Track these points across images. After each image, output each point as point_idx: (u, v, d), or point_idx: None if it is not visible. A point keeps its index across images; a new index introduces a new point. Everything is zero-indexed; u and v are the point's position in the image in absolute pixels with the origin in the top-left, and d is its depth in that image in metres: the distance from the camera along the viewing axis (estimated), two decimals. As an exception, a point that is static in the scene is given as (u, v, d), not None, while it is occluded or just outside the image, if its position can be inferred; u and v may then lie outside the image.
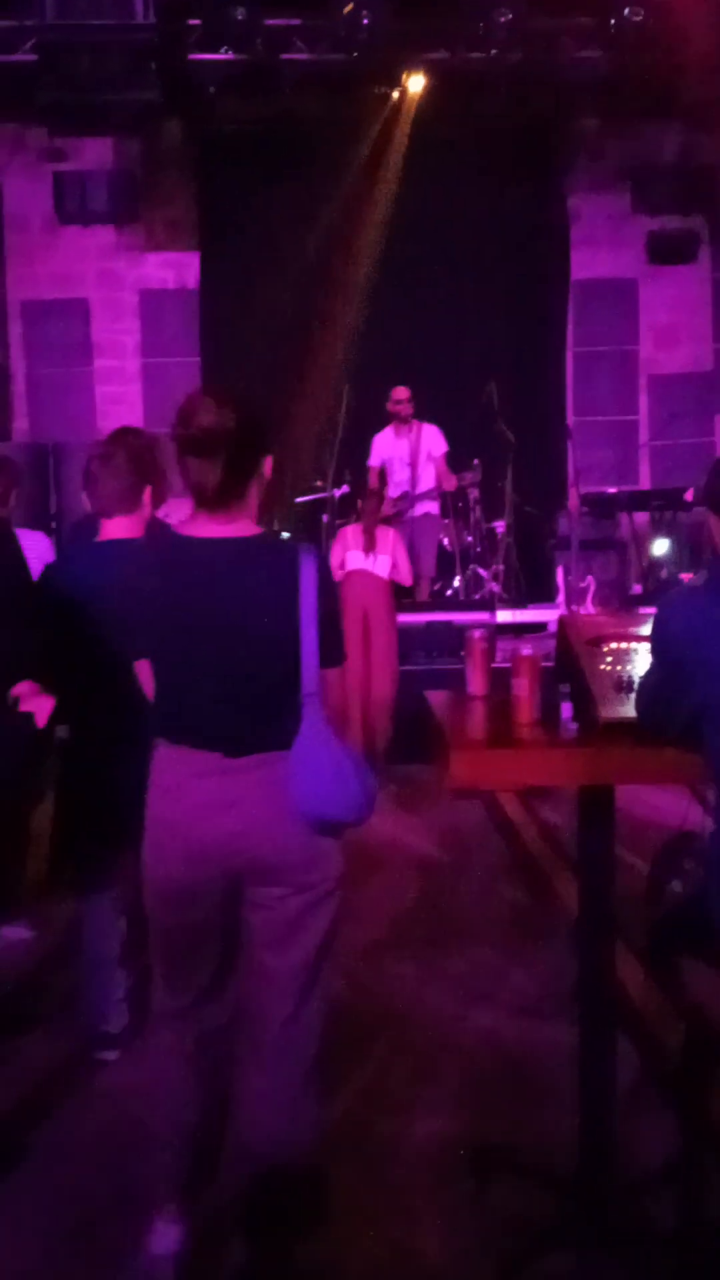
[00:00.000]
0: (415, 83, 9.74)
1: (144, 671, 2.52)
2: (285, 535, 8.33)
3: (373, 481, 8.83)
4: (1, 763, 2.82)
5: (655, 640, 2.43)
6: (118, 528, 3.43)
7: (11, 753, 2.85)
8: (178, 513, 3.50)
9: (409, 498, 8.76)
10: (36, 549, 5.40)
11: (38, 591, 3.51)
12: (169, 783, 2.44)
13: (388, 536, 7.29)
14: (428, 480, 8.88)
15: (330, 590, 2.45)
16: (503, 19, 8.92)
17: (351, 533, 7.27)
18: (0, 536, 2.94)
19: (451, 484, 8.90)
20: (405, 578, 7.41)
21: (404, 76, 9.73)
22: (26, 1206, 2.88)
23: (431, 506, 8.92)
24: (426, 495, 8.89)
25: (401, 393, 8.76)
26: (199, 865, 2.41)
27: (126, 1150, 3.07)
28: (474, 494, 9.03)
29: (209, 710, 2.40)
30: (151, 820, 2.47)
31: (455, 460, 8.95)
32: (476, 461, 8.94)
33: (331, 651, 2.42)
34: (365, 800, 2.38)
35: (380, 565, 7.13)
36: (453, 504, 9.12)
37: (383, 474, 8.83)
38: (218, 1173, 2.63)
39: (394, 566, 7.22)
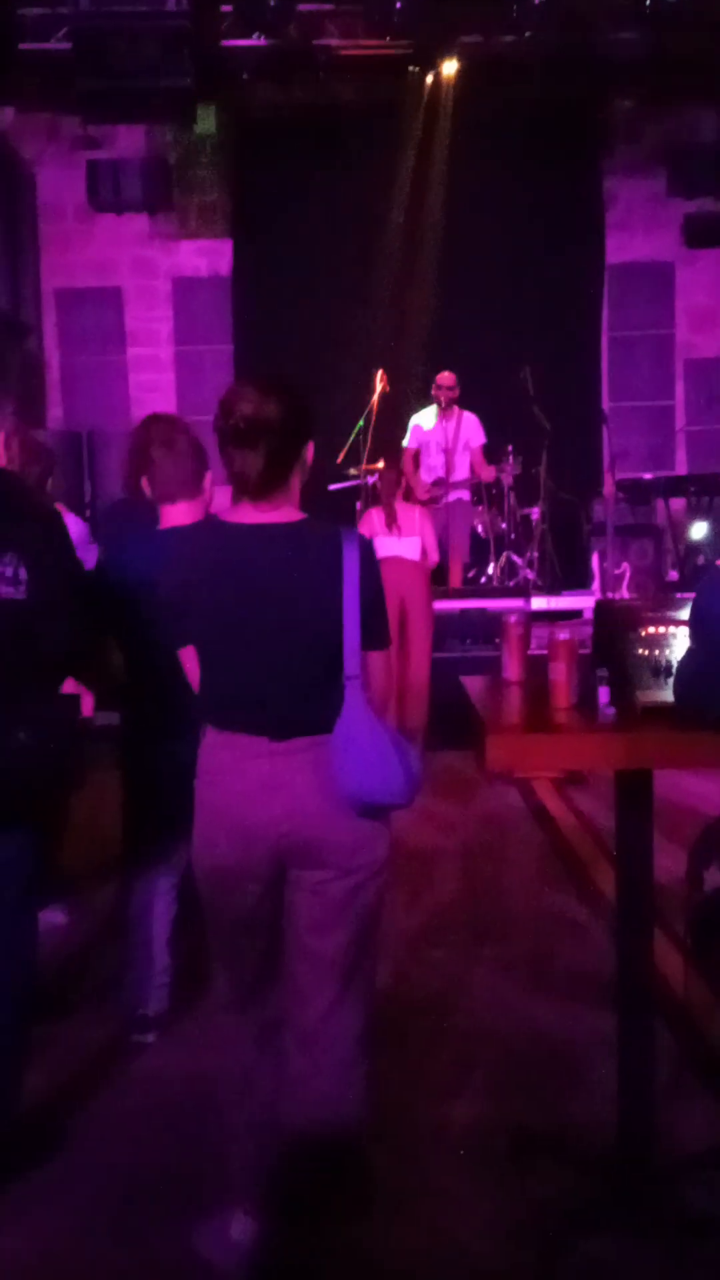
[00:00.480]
0: (449, 66, 9.67)
1: (189, 658, 2.52)
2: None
3: (406, 464, 8.78)
4: (51, 750, 2.82)
5: (694, 623, 2.41)
6: (181, 514, 3.40)
7: (60, 740, 2.85)
8: (217, 500, 3.52)
9: (444, 484, 8.72)
10: (73, 532, 5.41)
11: (100, 578, 3.52)
12: (217, 767, 2.45)
13: (412, 516, 7.04)
14: (463, 469, 8.83)
15: (373, 574, 2.44)
16: (538, 0, 8.85)
17: (375, 515, 7.04)
18: (53, 525, 2.92)
19: (490, 475, 8.85)
20: (434, 555, 7.25)
21: (438, 60, 9.67)
22: (68, 1191, 2.89)
23: (464, 492, 8.88)
24: (462, 484, 8.85)
25: (447, 378, 8.69)
26: (248, 848, 2.41)
27: (167, 1134, 3.09)
28: (508, 480, 8.98)
29: (255, 695, 2.40)
30: (200, 805, 2.48)
31: (491, 449, 8.91)
32: (510, 449, 8.89)
33: (374, 635, 2.42)
34: (408, 782, 2.37)
35: (410, 548, 6.95)
36: (487, 490, 9.09)
37: (416, 456, 8.79)
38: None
39: (423, 548, 7.04)
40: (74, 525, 5.48)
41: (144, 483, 3.51)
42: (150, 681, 3.42)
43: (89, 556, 5.47)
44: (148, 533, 3.47)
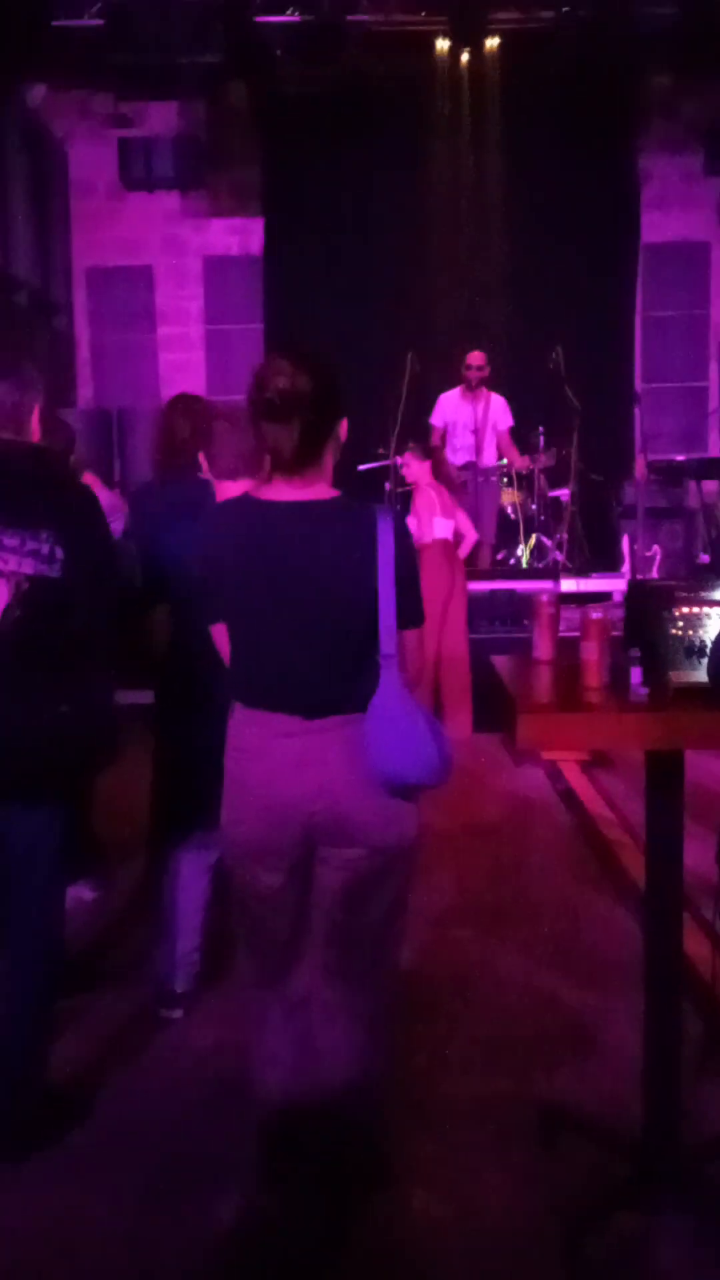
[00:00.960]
0: (484, 42, 9.58)
1: (220, 635, 2.52)
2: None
3: (434, 443, 8.76)
4: (89, 727, 2.83)
5: (730, 603, 2.39)
6: (240, 490, 3.37)
7: (97, 717, 2.86)
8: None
9: (475, 469, 8.68)
10: (104, 503, 5.44)
11: (145, 555, 3.52)
12: (247, 744, 2.45)
13: (447, 498, 7.22)
14: (490, 450, 8.79)
15: (408, 551, 2.42)
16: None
17: (433, 497, 7.14)
18: (87, 501, 2.91)
19: (523, 464, 8.81)
20: (472, 534, 7.38)
21: (472, 36, 9.58)
22: (95, 1162, 2.91)
23: (490, 474, 8.85)
24: (493, 471, 8.81)
25: (477, 357, 8.65)
26: (277, 825, 2.41)
27: (193, 1108, 3.11)
28: (540, 467, 8.93)
29: (287, 673, 2.40)
30: (230, 781, 2.48)
31: (521, 430, 8.87)
32: (541, 430, 8.84)
33: (409, 613, 2.41)
34: (441, 763, 2.36)
35: (446, 529, 7.11)
36: (517, 472, 9.04)
37: (444, 436, 8.76)
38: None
39: (457, 530, 7.19)
40: (104, 497, 5.51)
41: (202, 458, 3.49)
42: (186, 659, 3.42)
43: (116, 526, 5.49)
44: (195, 512, 3.46)
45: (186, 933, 3.59)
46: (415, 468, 7.26)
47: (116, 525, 5.44)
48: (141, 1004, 3.63)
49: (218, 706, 3.00)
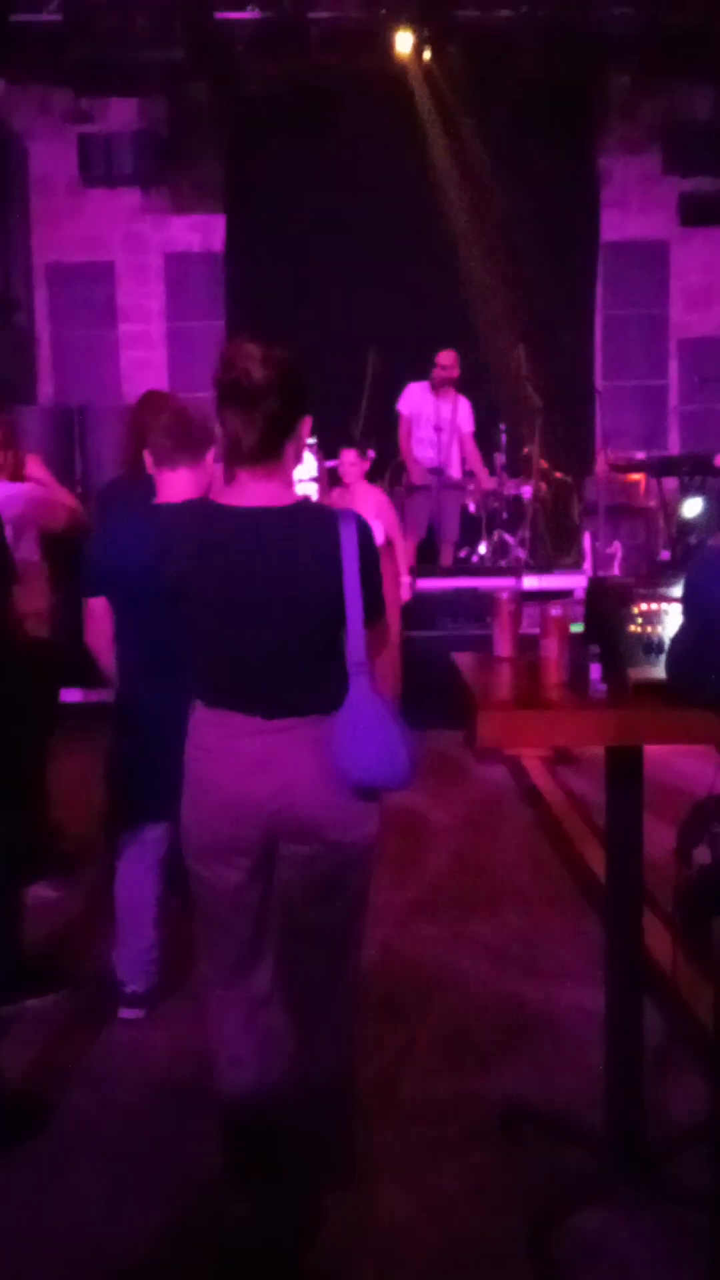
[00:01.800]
0: (444, 41, 9.60)
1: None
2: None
3: (402, 434, 8.74)
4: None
5: (688, 600, 2.40)
6: (181, 482, 3.33)
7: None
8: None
9: (440, 474, 8.67)
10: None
11: (91, 551, 3.53)
12: (208, 743, 2.44)
13: (370, 500, 7.00)
14: (453, 451, 8.80)
15: (371, 554, 2.41)
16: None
17: (359, 503, 6.90)
18: None
19: (490, 485, 8.83)
20: (397, 540, 7.24)
21: (433, 34, 9.59)
22: (58, 1167, 2.90)
23: (454, 472, 8.86)
24: (459, 483, 8.81)
25: (446, 356, 8.61)
26: (238, 824, 2.41)
27: (157, 1109, 3.10)
28: (500, 459, 8.96)
29: (248, 676, 2.39)
30: (190, 780, 2.47)
31: (482, 428, 8.88)
32: (504, 430, 8.86)
33: (373, 611, 2.40)
34: (411, 768, 2.37)
35: (380, 533, 6.96)
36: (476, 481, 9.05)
37: (409, 426, 8.75)
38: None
39: (386, 535, 6.96)
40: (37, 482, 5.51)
41: (146, 455, 3.48)
42: (137, 658, 3.42)
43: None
44: (141, 507, 3.46)
45: (138, 931, 3.58)
46: (352, 469, 7.16)
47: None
48: (104, 1005, 3.62)
49: (160, 703, 3.00)
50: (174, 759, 2.53)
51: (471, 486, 9.04)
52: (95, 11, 8.88)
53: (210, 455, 3.43)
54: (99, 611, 3.49)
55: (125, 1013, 3.58)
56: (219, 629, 2.39)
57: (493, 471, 8.96)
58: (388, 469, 9.06)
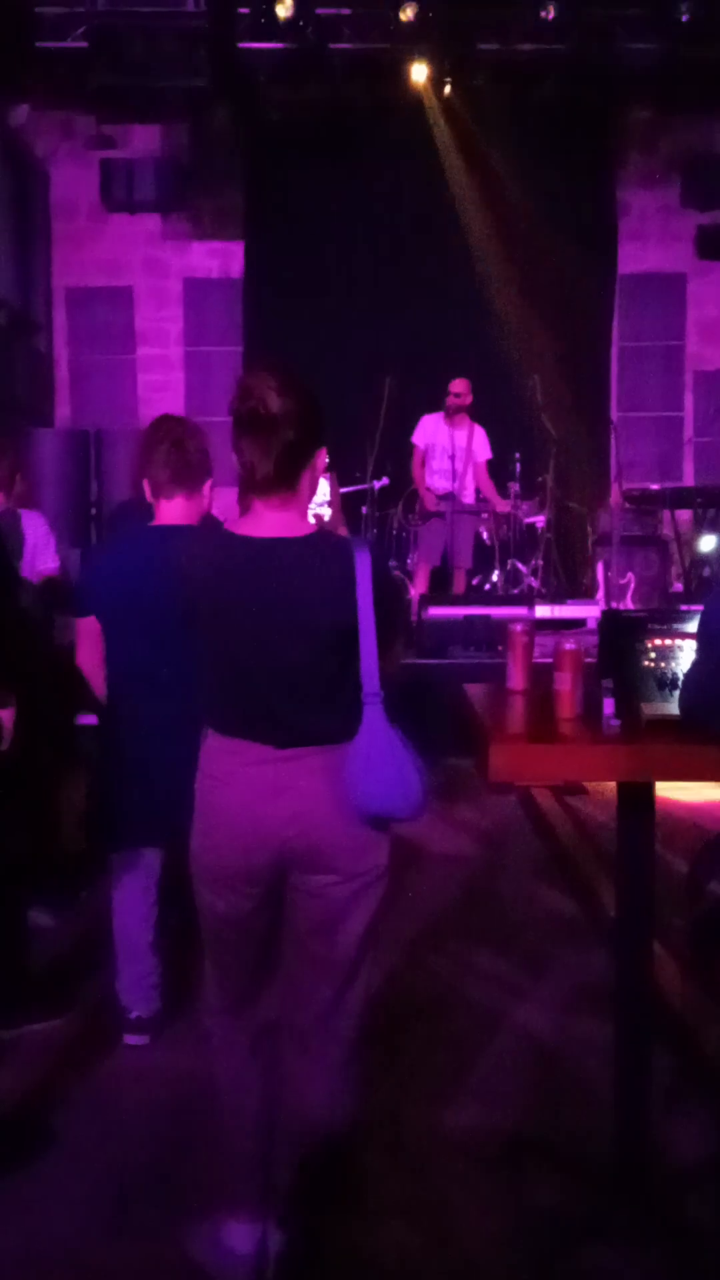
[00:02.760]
0: (465, 72, 9.67)
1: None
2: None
3: (415, 464, 8.78)
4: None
5: (703, 635, 2.40)
6: (177, 510, 3.35)
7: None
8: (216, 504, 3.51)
9: (454, 500, 8.70)
10: (35, 530, 5.51)
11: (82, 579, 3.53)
12: (219, 771, 2.44)
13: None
14: (468, 479, 8.83)
15: (388, 585, 2.42)
16: (555, 9, 8.86)
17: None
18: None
19: (504, 507, 8.85)
20: None
21: (454, 66, 9.67)
22: (59, 1192, 2.88)
23: (467, 499, 8.88)
24: (472, 509, 8.84)
25: (459, 384, 8.67)
26: (249, 853, 2.40)
27: (160, 1136, 3.08)
28: (515, 487, 8.98)
29: (263, 705, 2.39)
30: (201, 808, 2.47)
31: (498, 457, 8.91)
32: (518, 460, 8.88)
33: (386, 641, 2.40)
34: (423, 798, 2.37)
35: None
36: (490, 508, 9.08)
37: (424, 459, 8.80)
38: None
39: None
40: (33, 522, 5.58)
41: (145, 484, 3.50)
42: (124, 680, 3.40)
43: (49, 551, 5.54)
44: (138, 530, 3.48)
45: (136, 956, 3.56)
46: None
47: (48, 556, 5.48)
48: (108, 1030, 3.60)
49: (151, 724, 3.01)
50: (165, 781, 2.53)
51: (485, 514, 9.07)
52: (119, 39, 8.98)
53: (207, 485, 3.44)
54: (89, 632, 3.46)
55: (130, 1038, 3.57)
56: (234, 658, 2.40)
57: (506, 498, 8.98)
58: (402, 498, 9.09)
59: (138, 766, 3.31)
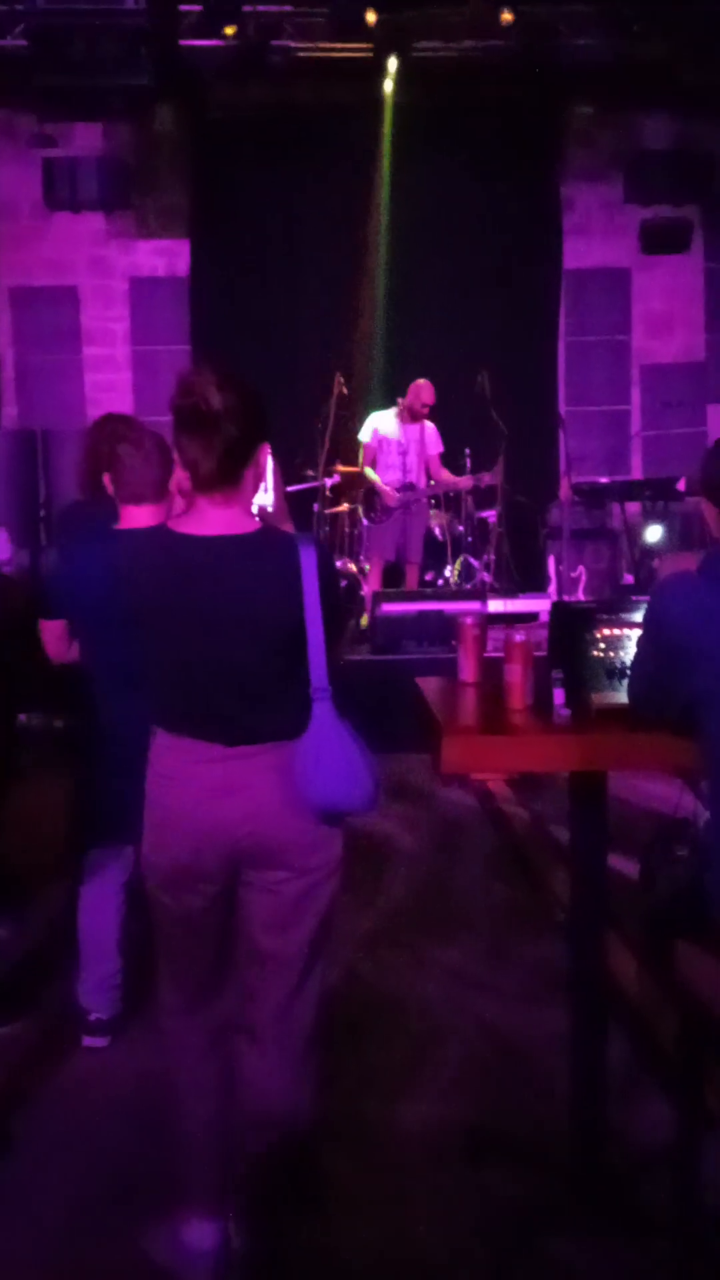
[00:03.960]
0: (408, 70, 9.68)
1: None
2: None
3: (365, 463, 8.77)
4: None
5: (650, 626, 2.42)
6: (146, 516, 3.34)
7: None
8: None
9: (414, 489, 8.72)
10: None
11: (53, 577, 3.52)
12: (168, 770, 2.43)
13: None
14: (419, 473, 8.85)
15: (332, 579, 2.42)
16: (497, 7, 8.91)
17: None
18: None
19: (467, 483, 8.84)
20: None
21: (396, 64, 9.67)
22: (19, 1197, 2.86)
23: (423, 496, 8.90)
24: (423, 493, 8.85)
25: (429, 393, 8.62)
26: (200, 851, 2.40)
27: (120, 1139, 3.07)
28: (484, 480, 9.00)
29: (208, 704, 2.38)
30: (151, 807, 2.46)
31: (448, 453, 8.93)
32: (469, 456, 8.91)
33: (334, 640, 2.40)
34: (374, 792, 2.38)
35: None
36: (445, 494, 9.12)
37: (374, 455, 8.80)
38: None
39: None
40: None
41: (106, 480, 3.48)
42: (100, 681, 3.41)
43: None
44: (104, 533, 3.45)
45: (102, 956, 3.55)
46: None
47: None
48: (65, 1034, 3.58)
49: (123, 726, 3.00)
50: (138, 782, 2.52)
51: (439, 508, 9.08)
52: (61, 37, 8.90)
53: (173, 482, 3.43)
54: (55, 635, 3.48)
55: (89, 1040, 3.55)
56: (181, 658, 2.39)
57: (460, 493, 9.01)
58: (358, 495, 9.09)
59: (116, 765, 3.29)
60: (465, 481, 8.82)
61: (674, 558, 2.33)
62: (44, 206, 10.49)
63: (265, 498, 7.10)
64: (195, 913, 2.46)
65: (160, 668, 2.44)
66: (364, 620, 8.28)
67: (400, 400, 8.77)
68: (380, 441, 8.81)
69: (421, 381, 8.68)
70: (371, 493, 8.85)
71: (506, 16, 9.03)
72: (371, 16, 8.93)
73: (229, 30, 9.01)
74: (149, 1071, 3.23)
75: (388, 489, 8.69)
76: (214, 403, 2.29)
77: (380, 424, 8.83)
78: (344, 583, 8.64)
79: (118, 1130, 3.11)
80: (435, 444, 8.85)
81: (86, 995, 3.57)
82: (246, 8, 9.06)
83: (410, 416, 8.70)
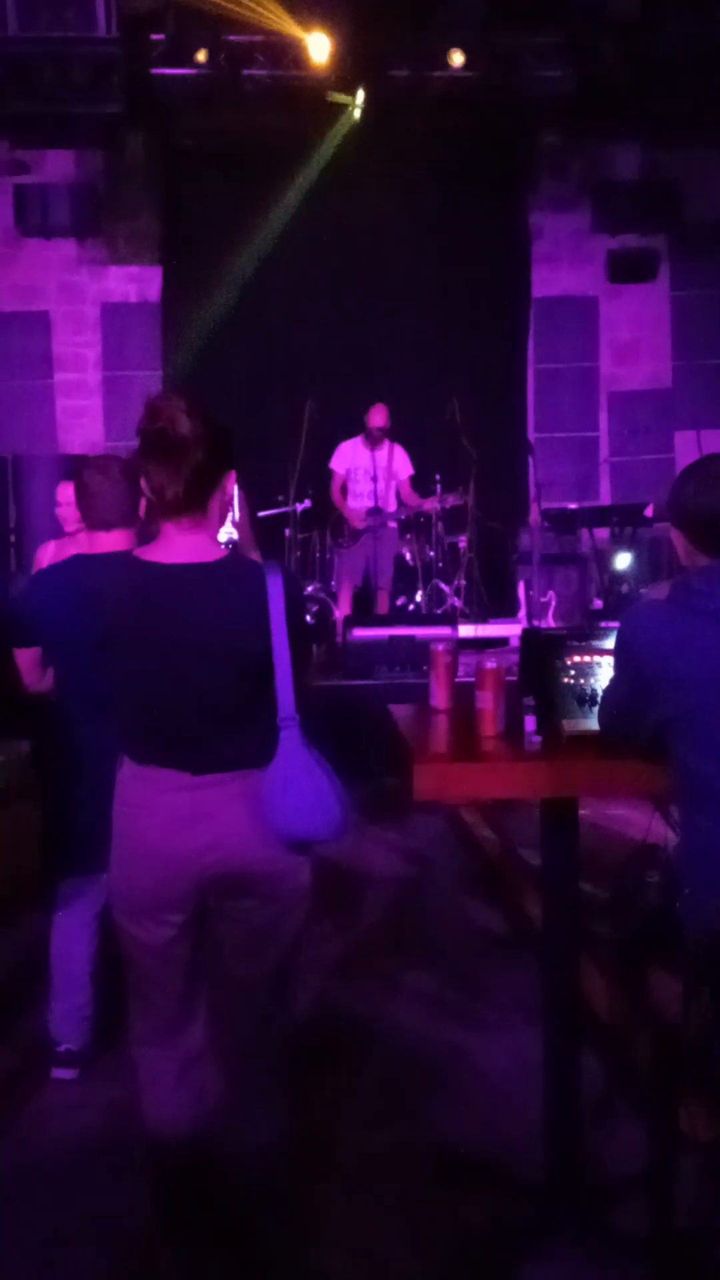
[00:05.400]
0: (377, 99, 9.77)
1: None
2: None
3: (335, 491, 8.81)
4: None
5: (620, 653, 2.45)
6: (114, 542, 3.35)
7: None
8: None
9: (380, 514, 8.76)
10: None
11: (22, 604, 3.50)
12: (135, 799, 2.42)
13: None
14: (390, 498, 8.89)
15: (299, 606, 2.42)
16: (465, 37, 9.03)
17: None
18: None
19: (432, 505, 8.89)
20: None
21: (366, 94, 9.77)
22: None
23: (391, 520, 8.94)
24: (397, 515, 8.90)
25: (381, 416, 8.69)
26: (168, 880, 2.39)
27: (89, 1170, 3.04)
28: (448, 500, 9.04)
29: (178, 732, 2.37)
30: (119, 836, 2.45)
31: (418, 479, 8.98)
32: (438, 478, 8.97)
33: (301, 668, 2.40)
34: (343, 820, 2.37)
35: None
36: (414, 519, 9.16)
37: (344, 485, 8.85)
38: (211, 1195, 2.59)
39: None
40: None
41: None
42: (72, 708, 3.39)
43: None
44: (73, 558, 3.46)
45: (74, 987, 3.52)
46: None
47: None
48: (34, 1065, 3.55)
49: (96, 754, 2.99)
50: (102, 812, 2.51)
51: (409, 533, 9.13)
52: (32, 64, 8.94)
53: (143, 505, 3.44)
54: (30, 663, 3.46)
55: (58, 1072, 3.52)
56: (148, 686, 2.38)
57: (430, 519, 9.05)
58: (328, 522, 9.12)
59: (89, 793, 3.28)
60: (430, 503, 8.87)
61: (655, 588, 2.35)
62: (15, 232, 10.51)
63: (232, 530, 7.11)
64: (164, 943, 2.44)
65: (127, 696, 2.43)
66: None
67: None
68: (349, 470, 8.85)
69: (376, 405, 8.74)
70: (339, 519, 8.88)
71: (458, 59, 9.17)
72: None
73: (200, 57, 9.09)
74: (119, 1102, 3.22)
75: (353, 513, 8.73)
76: (182, 428, 2.30)
77: (347, 452, 8.88)
78: (314, 608, 8.68)
79: (85, 1161, 3.09)
80: (405, 467, 8.90)
81: (56, 1026, 3.54)
82: (218, 37, 9.13)
83: (371, 441, 8.76)
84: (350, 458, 8.88)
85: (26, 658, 3.47)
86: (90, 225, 10.54)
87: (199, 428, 2.32)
